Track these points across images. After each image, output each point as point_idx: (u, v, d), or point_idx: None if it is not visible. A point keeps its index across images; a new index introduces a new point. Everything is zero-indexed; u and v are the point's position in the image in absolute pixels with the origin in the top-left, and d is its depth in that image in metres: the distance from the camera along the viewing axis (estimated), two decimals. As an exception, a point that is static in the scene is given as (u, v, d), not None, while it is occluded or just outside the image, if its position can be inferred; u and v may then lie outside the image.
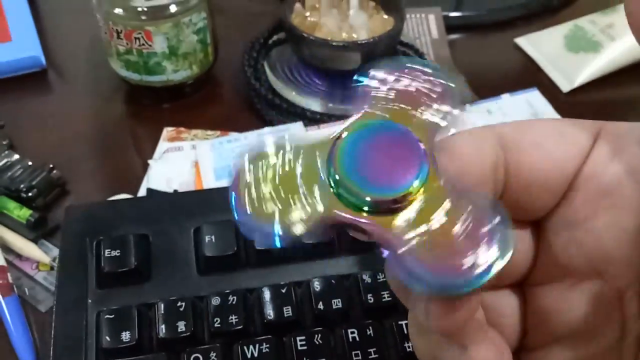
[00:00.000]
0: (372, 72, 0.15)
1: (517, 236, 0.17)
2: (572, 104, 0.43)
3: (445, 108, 0.15)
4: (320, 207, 0.14)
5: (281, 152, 0.15)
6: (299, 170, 0.14)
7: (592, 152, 0.16)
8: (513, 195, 0.16)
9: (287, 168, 0.14)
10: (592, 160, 0.16)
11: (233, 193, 0.14)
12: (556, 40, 0.46)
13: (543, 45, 0.47)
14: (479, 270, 0.13)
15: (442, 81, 0.15)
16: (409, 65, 0.15)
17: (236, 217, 0.14)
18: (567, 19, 0.48)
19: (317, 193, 0.14)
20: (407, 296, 0.16)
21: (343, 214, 0.14)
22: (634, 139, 0.15)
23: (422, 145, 0.14)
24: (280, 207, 0.14)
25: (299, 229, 0.14)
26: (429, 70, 0.15)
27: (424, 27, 0.48)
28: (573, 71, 0.44)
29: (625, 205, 0.15)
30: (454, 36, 0.49)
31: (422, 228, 0.14)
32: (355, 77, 0.15)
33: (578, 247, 0.16)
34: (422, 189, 0.14)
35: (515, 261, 0.17)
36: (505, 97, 0.43)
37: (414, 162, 0.14)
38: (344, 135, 0.14)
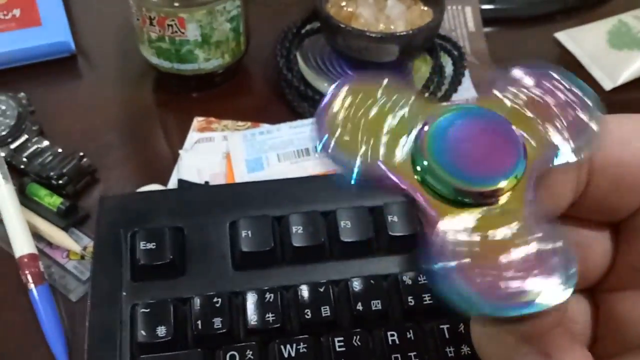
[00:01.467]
0: (514, 70, 0.14)
1: (594, 239, 0.16)
2: (615, 102, 0.42)
3: (576, 140, 0.14)
4: (399, 158, 0.14)
5: (384, 96, 0.14)
6: (390, 120, 0.14)
7: None
8: (596, 195, 0.15)
9: (380, 112, 0.14)
10: None
11: (322, 115, 0.14)
12: (598, 36, 0.45)
13: (584, 41, 0.45)
14: (528, 299, 0.12)
15: (583, 104, 0.14)
16: (553, 74, 0.14)
17: (320, 141, 0.14)
18: (608, 14, 0.46)
19: (400, 147, 0.14)
20: None
21: (393, 177, 0.13)
22: None
23: (520, 139, 0.13)
24: (364, 146, 0.14)
25: (374, 171, 0.14)
26: (576, 91, 0.14)
27: (460, 20, 0.47)
28: (616, 68, 0.43)
29: None
30: (490, 29, 0.47)
31: (477, 237, 0.13)
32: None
33: None
34: (510, 190, 0.13)
35: (590, 265, 0.16)
36: (545, 94, 0.42)
37: (512, 156, 0.13)
38: (436, 117, 0.14)
